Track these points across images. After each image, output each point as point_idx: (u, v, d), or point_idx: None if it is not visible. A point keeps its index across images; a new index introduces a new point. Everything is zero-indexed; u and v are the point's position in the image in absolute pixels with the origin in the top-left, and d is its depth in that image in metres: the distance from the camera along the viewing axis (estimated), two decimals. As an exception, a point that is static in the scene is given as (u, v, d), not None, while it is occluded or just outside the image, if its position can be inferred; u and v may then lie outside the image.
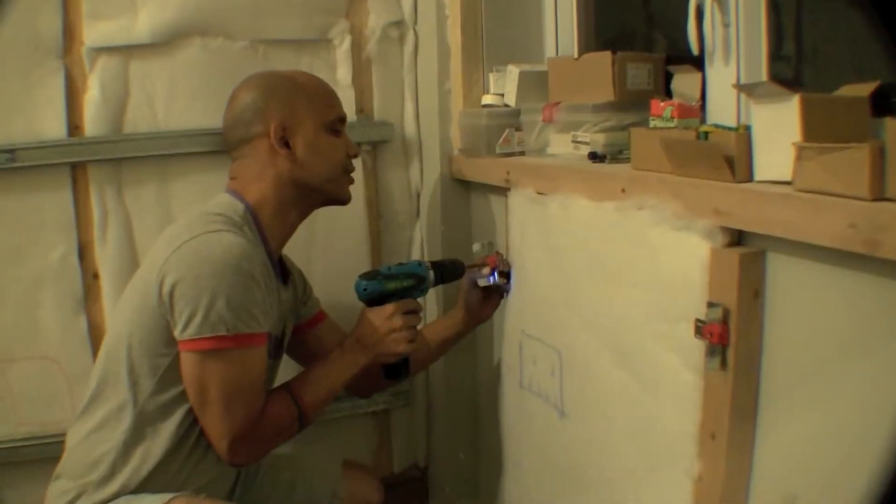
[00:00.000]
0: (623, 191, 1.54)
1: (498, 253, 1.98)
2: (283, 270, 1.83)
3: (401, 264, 1.84)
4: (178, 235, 1.62)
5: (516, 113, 2.04)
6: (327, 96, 1.80)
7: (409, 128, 2.33)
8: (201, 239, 1.59)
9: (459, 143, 2.19)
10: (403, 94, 2.32)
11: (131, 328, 1.62)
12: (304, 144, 1.73)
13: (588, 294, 1.66)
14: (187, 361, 1.58)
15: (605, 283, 1.60)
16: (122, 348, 1.63)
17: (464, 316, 2.00)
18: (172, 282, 1.56)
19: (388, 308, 1.76)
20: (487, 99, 2.14)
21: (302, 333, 1.95)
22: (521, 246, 1.91)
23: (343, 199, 1.82)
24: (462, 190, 2.26)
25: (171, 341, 1.59)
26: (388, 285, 1.78)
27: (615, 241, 1.56)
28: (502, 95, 2.11)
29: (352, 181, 1.83)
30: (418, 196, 2.36)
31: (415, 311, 1.79)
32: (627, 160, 1.64)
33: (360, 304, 1.79)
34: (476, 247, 2.03)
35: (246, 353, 1.59)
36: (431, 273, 1.84)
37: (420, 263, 1.85)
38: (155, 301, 1.58)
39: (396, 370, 1.81)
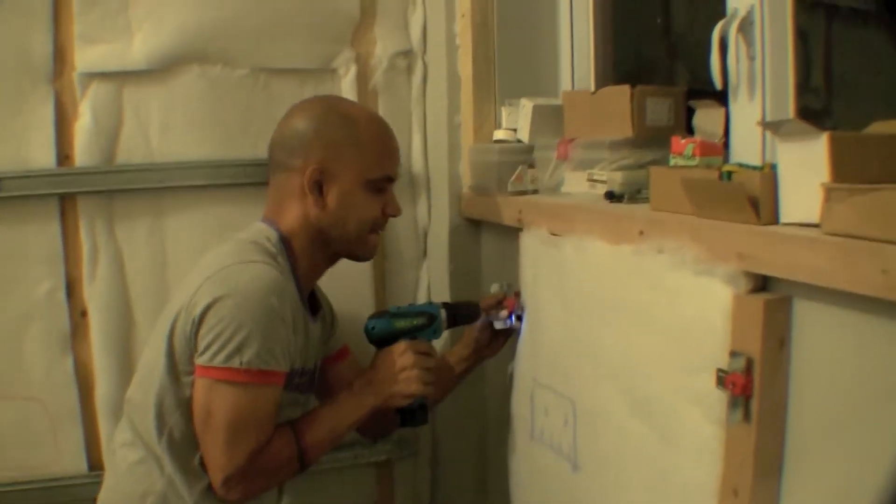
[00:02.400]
0: (641, 233, 1.54)
1: (517, 295, 1.98)
2: (314, 303, 1.86)
3: (411, 304, 1.85)
4: (210, 264, 1.67)
5: (529, 149, 2.04)
6: (382, 151, 1.81)
7: (417, 163, 2.33)
8: (233, 269, 1.64)
9: (469, 179, 2.20)
10: (411, 128, 2.33)
11: (161, 360, 1.66)
12: (337, 195, 1.76)
13: (604, 341, 1.65)
14: (199, 386, 1.62)
15: (621, 329, 1.59)
16: (153, 382, 1.67)
17: (470, 354, 2.02)
18: (202, 308, 1.60)
19: (399, 346, 1.77)
20: (499, 134, 2.15)
21: (324, 369, 1.96)
22: (533, 289, 1.90)
23: (363, 258, 1.86)
24: (472, 229, 2.26)
25: (192, 370, 1.65)
26: (397, 324, 1.80)
27: (632, 285, 1.55)
28: (515, 130, 2.12)
29: (377, 239, 1.86)
30: (426, 235, 2.36)
31: (427, 353, 1.80)
32: (646, 200, 1.63)
33: (368, 349, 1.80)
34: (495, 287, 2.02)
35: (258, 390, 1.62)
36: (444, 312, 1.85)
37: (431, 303, 1.87)
38: (185, 329, 1.63)
39: (411, 416, 1.80)
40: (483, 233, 2.25)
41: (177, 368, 1.66)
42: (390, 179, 1.83)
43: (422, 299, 2.36)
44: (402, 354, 1.76)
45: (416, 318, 1.82)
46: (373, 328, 1.79)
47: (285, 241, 1.75)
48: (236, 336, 1.58)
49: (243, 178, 2.12)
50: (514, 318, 1.95)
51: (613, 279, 1.62)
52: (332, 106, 1.83)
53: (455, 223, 2.25)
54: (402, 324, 1.80)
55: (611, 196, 1.74)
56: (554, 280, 1.81)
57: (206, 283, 1.63)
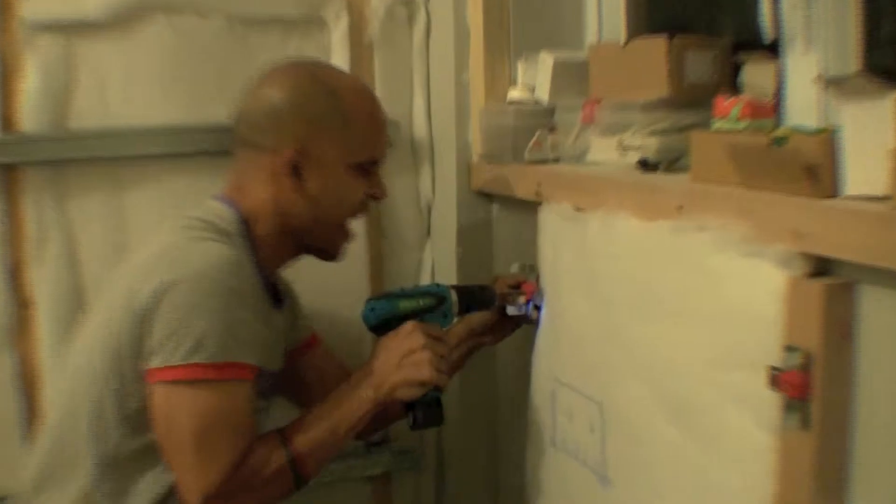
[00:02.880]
0: (680, 208, 1.54)
1: (538, 279, 1.98)
2: (277, 293, 1.85)
3: (416, 286, 1.83)
4: (151, 248, 1.67)
5: (550, 111, 2.04)
6: (370, 129, 1.81)
7: (419, 128, 2.33)
8: (180, 249, 1.64)
9: (480, 147, 2.21)
10: (412, 87, 2.34)
11: (96, 364, 1.63)
12: (319, 181, 1.76)
13: (636, 333, 1.65)
14: (156, 396, 1.58)
15: (657, 320, 1.59)
16: (86, 392, 1.64)
17: (462, 333, 1.99)
18: (147, 299, 1.57)
19: (406, 325, 1.74)
20: (515, 94, 2.14)
21: (292, 362, 1.95)
22: (554, 273, 1.91)
23: (332, 254, 1.85)
24: (483, 204, 2.27)
25: (141, 376, 1.60)
26: (401, 304, 1.78)
27: (670, 269, 1.55)
28: (533, 90, 2.12)
29: (349, 237, 1.85)
30: (429, 211, 2.36)
31: (440, 338, 1.76)
32: (685, 170, 1.63)
33: (360, 347, 1.78)
34: (515, 267, 2.02)
35: (228, 388, 1.59)
36: (454, 294, 1.84)
37: (438, 285, 1.86)
38: (124, 326, 1.59)
39: (425, 412, 1.73)
40: (496, 208, 2.25)
41: (118, 375, 1.61)
42: (376, 161, 1.83)
43: (426, 283, 2.37)
44: (409, 335, 1.72)
45: (422, 299, 1.80)
46: (372, 310, 1.77)
47: (246, 224, 1.74)
48: (193, 327, 1.55)
49: (216, 146, 2.07)
50: (531, 306, 1.96)
51: (647, 262, 1.61)
52: (312, 75, 1.81)
53: (463, 197, 2.26)
54: (407, 304, 1.78)
55: (644, 165, 1.74)
56: (578, 263, 1.81)
57: (148, 269, 1.61)
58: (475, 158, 2.23)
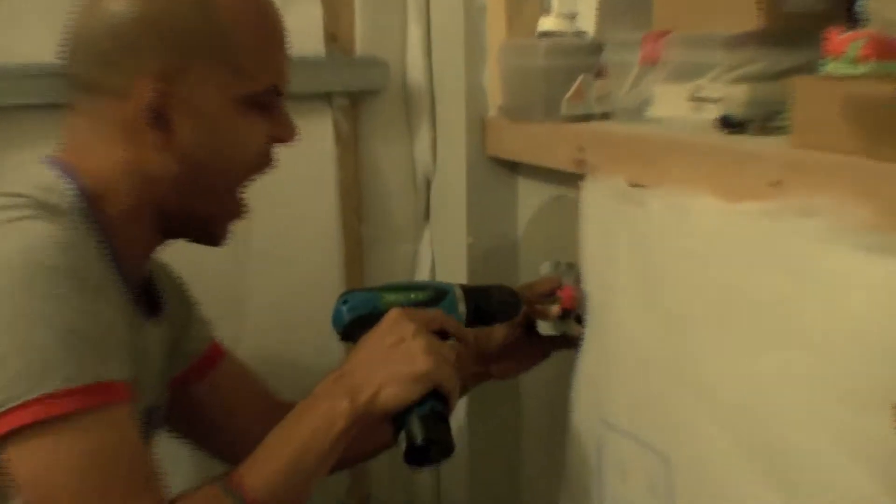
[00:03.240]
0: (777, 184, 1.52)
1: (578, 282, 1.98)
2: (151, 298, 1.83)
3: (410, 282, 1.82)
4: None
5: (596, 48, 2.06)
6: (263, 41, 1.72)
7: (415, 71, 2.35)
8: None
9: (499, 97, 2.23)
10: (405, 13, 2.37)
11: None
12: (193, 129, 1.66)
13: (716, 358, 1.63)
14: (7, 457, 1.44)
15: (744, 339, 1.57)
16: None
17: (465, 355, 1.97)
18: None
19: (391, 313, 1.72)
20: (548, 24, 2.13)
21: (189, 386, 1.96)
22: (601, 275, 1.91)
23: (216, 237, 1.79)
24: (502, 177, 2.31)
25: None
26: (384, 297, 1.79)
27: (762, 268, 1.52)
28: (573, 18, 2.12)
29: (240, 212, 1.78)
30: (428, 186, 2.36)
31: (444, 333, 1.75)
32: (784, 131, 1.61)
33: (326, 366, 1.78)
34: (546, 267, 2.02)
35: (103, 418, 1.47)
36: (457, 287, 1.86)
37: (439, 284, 1.85)
38: None
39: (427, 428, 1.63)
40: (521, 183, 2.28)
41: None
42: (278, 89, 1.75)
43: None
44: (395, 322, 1.70)
45: (415, 292, 1.82)
46: (345, 303, 1.77)
47: (90, 200, 1.64)
48: (26, 343, 1.42)
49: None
50: (570, 319, 1.96)
51: (731, 258, 1.59)
52: None
53: (476, 168, 2.30)
54: (394, 298, 1.78)
55: (728, 124, 1.73)
56: (635, 261, 1.80)
57: None
58: (492, 113, 2.26)
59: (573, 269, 1.99)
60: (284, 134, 1.76)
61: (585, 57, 2.04)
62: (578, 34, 2.10)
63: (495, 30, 2.21)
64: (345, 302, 1.76)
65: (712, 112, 1.76)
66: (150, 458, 1.58)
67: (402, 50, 2.32)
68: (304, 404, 1.67)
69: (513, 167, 2.26)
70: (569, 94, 2.02)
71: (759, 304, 1.54)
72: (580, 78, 2.01)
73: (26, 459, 1.44)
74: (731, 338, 1.59)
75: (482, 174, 2.26)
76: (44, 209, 1.54)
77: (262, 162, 1.76)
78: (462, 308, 1.83)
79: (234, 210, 1.77)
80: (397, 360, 1.64)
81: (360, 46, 2.29)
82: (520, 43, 2.16)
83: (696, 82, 1.81)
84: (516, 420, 2.26)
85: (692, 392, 1.67)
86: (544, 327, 1.95)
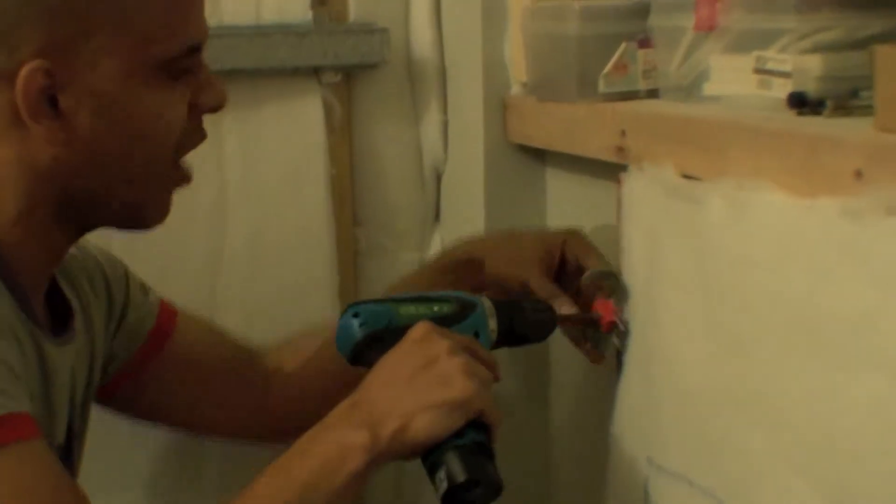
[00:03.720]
0: (858, 175, 1.44)
1: (621, 295, 1.96)
2: (57, 312, 1.79)
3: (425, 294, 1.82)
4: None
5: (641, 11, 2.01)
6: None
7: (421, 40, 2.37)
8: None
9: (524, 72, 2.19)
10: None
11: None
12: (94, 109, 1.62)
13: (787, 387, 1.55)
14: None
15: (822, 363, 1.48)
16: None
17: None
18: None
19: (417, 328, 1.70)
20: (582, -16, 2.08)
21: (149, 363, 2.01)
22: (647, 280, 1.89)
23: (151, 218, 1.76)
24: (528, 167, 2.28)
25: None
26: (402, 309, 1.77)
27: (842, 277, 1.46)
28: (612, -26, 2.06)
29: (184, 180, 1.78)
30: (438, 180, 2.37)
31: (476, 354, 1.71)
32: (868, 112, 1.55)
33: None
34: (587, 276, 2.00)
35: (17, 454, 1.50)
36: (486, 300, 1.84)
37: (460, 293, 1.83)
38: None
39: (471, 466, 1.63)
40: (550, 175, 2.26)
41: None
42: (196, 48, 1.70)
43: None
44: (423, 339, 1.67)
45: (437, 303, 1.80)
46: (356, 315, 1.74)
47: None
48: None
49: None
50: (614, 333, 1.94)
51: (805, 267, 1.53)
52: None
53: (496, 156, 2.29)
54: (411, 310, 1.76)
55: (799, 102, 1.66)
56: (689, 268, 1.76)
57: None
58: (515, 91, 2.24)
59: (612, 278, 1.96)
60: (209, 99, 1.73)
61: (628, 22, 2.01)
62: (619, -5, 2.08)
63: (518, -9, 2.20)
64: (355, 315, 1.72)
65: (781, 89, 1.69)
66: (77, 490, 1.57)
67: (406, 15, 2.30)
68: (310, 434, 1.64)
69: (540, 156, 2.25)
70: (608, 68, 1.99)
71: (840, 320, 1.46)
72: (622, 47, 1.98)
73: None
74: (807, 362, 1.52)
75: (504, 165, 2.25)
76: None
77: (191, 138, 1.74)
78: (493, 325, 1.80)
79: (170, 182, 1.75)
80: (430, 384, 1.62)
81: (355, 11, 2.29)
82: (548, 5, 2.11)
83: (762, 53, 1.77)
84: (545, 450, 2.26)
85: (758, 427, 1.62)
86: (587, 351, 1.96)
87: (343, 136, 2.33)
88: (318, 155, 2.26)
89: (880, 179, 1.43)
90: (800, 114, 1.67)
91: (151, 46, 1.63)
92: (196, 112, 1.71)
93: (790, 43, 1.71)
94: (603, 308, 1.91)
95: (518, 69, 2.20)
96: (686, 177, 1.78)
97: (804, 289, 1.54)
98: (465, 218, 2.30)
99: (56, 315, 1.76)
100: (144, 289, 1.98)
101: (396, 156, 2.36)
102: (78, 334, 1.79)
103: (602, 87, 1.98)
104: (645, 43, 1.98)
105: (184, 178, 1.75)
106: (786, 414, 1.58)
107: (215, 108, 1.74)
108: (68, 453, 1.75)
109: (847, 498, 1.49)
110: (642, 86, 1.99)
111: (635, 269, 1.91)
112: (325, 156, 2.28)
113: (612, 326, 1.91)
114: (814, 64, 1.69)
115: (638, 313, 1.90)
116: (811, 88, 1.68)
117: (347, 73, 2.32)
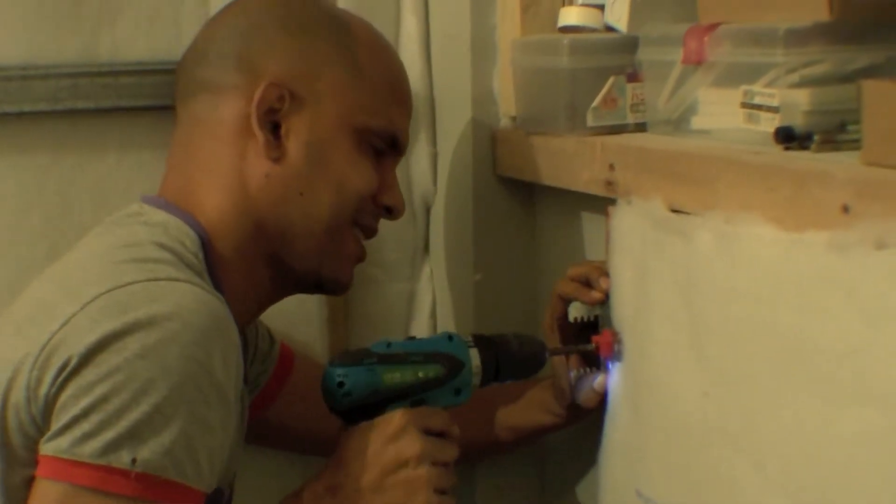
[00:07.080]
0: (845, 209, 1.48)
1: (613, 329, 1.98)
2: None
3: (411, 339, 1.81)
4: (80, 279, 1.65)
5: (630, 45, 2.04)
6: (390, 88, 1.89)
7: (410, 72, 2.29)
8: (141, 289, 1.59)
9: (513, 105, 2.22)
10: (399, 3, 2.40)
11: None
12: (304, 136, 1.80)
13: (777, 421, 1.58)
14: (39, 494, 1.54)
15: (812, 397, 1.51)
16: None
17: (555, 404, 2.06)
18: (80, 354, 1.53)
19: (395, 419, 1.74)
20: (571, 16, 2.16)
21: (272, 400, 2.10)
22: (636, 312, 1.91)
23: (339, 283, 1.91)
24: (517, 201, 2.31)
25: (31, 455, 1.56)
26: (386, 376, 1.77)
27: (830, 310, 1.48)
28: (602, 8, 2.13)
29: (359, 255, 1.93)
30: (427, 213, 2.37)
31: (444, 433, 1.78)
32: (855, 146, 1.58)
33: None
34: (576, 314, 2.02)
35: None
36: (476, 358, 1.83)
37: (451, 337, 1.83)
38: (30, 392, 1.56)
39: None
40: (539, 208, 2.27)
41: (7, 463, 1.58)
42: (395, 143, 1.89)
43: (420, 332, 2.43)
44: (398, 435, 1.73)
45: (423, 367, 1.80)
46: (340, 385, 1.75)
47: (205, 246, 1.75)
48: (134, 406, 1.50)
49: (74, 100, 2.14)
50: (609, 367, 1.98)
51: (793, 301, 1.55)
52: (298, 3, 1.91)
53: (485, 189, 2.32)
54: (395, 377, 1.77)
55: (787, 137, 1.69)
56: (678, 302, 1.78)
57: (85, 312, 1.56)
58: (504, 124, 2.25)
59: (606, 313, 1.99)
60: (390, 199, 1.89)
61: (617, 56, 2.04)
62: (608, 29, 2.10)
63: (507, 25, 2.22)
64: (340, 384, 1.74)
65: (769, 123, 1.73)
66: None
67: (395, 46, 2.31)
68: None
69: (529, 189, 2.27)
70: (597, 102, 2.02)
71: (828, 353, 1.49)
72: (611, 81, 2.02)
73: None
74: (795, 395, 1.55)
75: (492, 198, 2.27)
76: (188, 269, 1.68)
77: (365, 217, 1.88)
78: (476, 381, 1.83)
79: (346, 245, 1.88)
80: (396, 490, 1.72)
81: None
82: (538, 39, 2.16)
83: (749, 87, 1.80)
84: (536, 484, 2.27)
85: (748, 461, 1.64)
86: (583, 396, 1.95)
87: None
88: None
89: (868, 214, 1.45)
90: (788, 148, 1.71)
91: (364, 113, 1.84)
92: (376, 201, 1.88)
93: (778, 77, 1.73)
94: (602, 339, 1.94)
95: (507, 102, 2.22)
96: (674, 210, 1.82)
97: (792, 322, 1.57)
98: (454, 250, 2.31)
99: None
100: (272, 337, 2.11)
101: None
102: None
103: (591, 120, 2.00)
104: (633, 77, 2.01)
105: (360, 253, 1.92)
106: (774, 447, 1.61)
107: (391, 210, 1.92)
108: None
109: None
110: (631, 119, 2.02)
111: (624, 302, 1.92)
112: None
113: (610, 356, 1.89)
114: (801, 98, 1.73)
115: (626, 345, 1.91)
116: (799, 122, 1.72)
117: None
